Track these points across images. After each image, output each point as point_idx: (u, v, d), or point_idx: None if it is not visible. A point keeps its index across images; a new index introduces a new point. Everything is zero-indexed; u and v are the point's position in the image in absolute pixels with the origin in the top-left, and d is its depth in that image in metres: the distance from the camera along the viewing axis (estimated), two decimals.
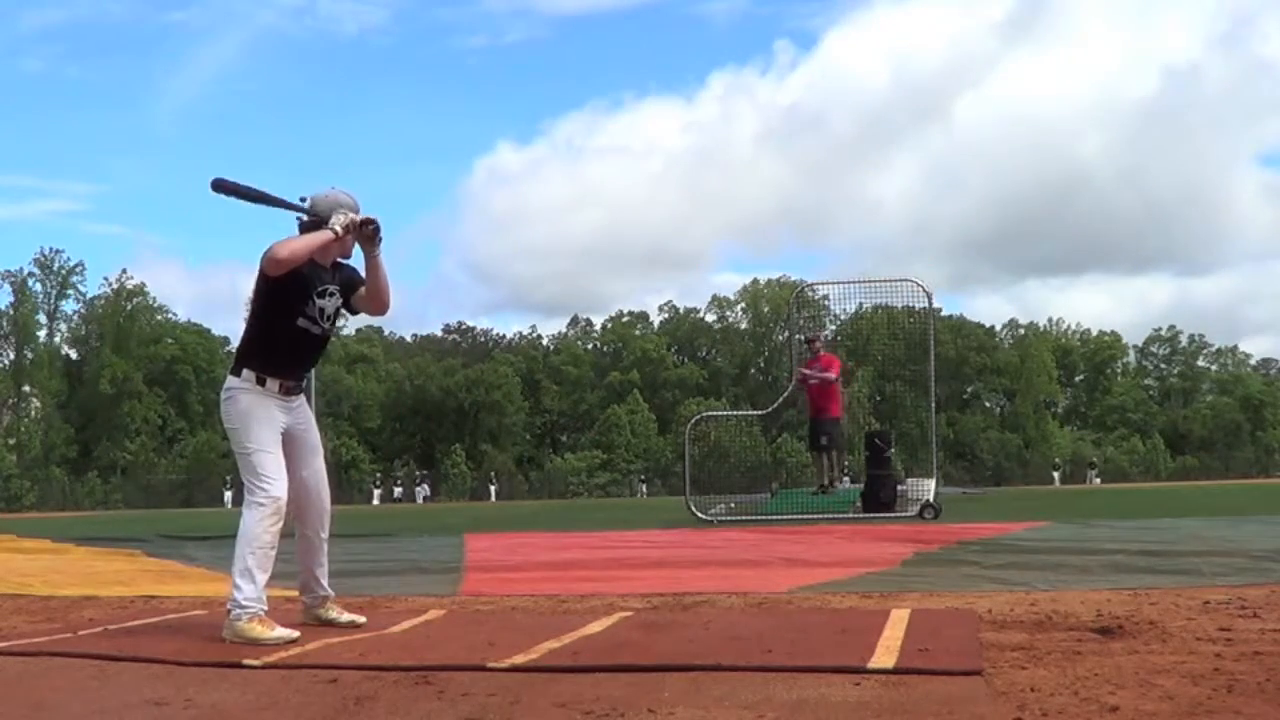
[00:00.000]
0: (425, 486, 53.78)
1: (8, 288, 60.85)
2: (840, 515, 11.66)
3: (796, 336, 14.05)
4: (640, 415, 62.09)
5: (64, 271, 62.25)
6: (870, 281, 14.04)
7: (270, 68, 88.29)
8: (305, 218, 4.09)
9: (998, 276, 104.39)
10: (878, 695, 2.71)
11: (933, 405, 12.86)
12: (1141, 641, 3.41)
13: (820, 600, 4.83)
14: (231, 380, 4.05)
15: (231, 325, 60.16)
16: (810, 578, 5.70)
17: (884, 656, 3.17)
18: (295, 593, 4.30)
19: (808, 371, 12.80)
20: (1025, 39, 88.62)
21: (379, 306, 4.20)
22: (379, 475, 57.07)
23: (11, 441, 57.86)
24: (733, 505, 13.17)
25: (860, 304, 17.11)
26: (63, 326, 63.71)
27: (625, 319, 70.07)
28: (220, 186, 4.03)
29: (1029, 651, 3.26)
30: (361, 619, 4.17)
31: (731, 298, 70.89)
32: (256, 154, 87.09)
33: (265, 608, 3.85)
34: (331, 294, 4.09)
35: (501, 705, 2.72)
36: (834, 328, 39.66)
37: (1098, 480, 50.86)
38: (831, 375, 12.62)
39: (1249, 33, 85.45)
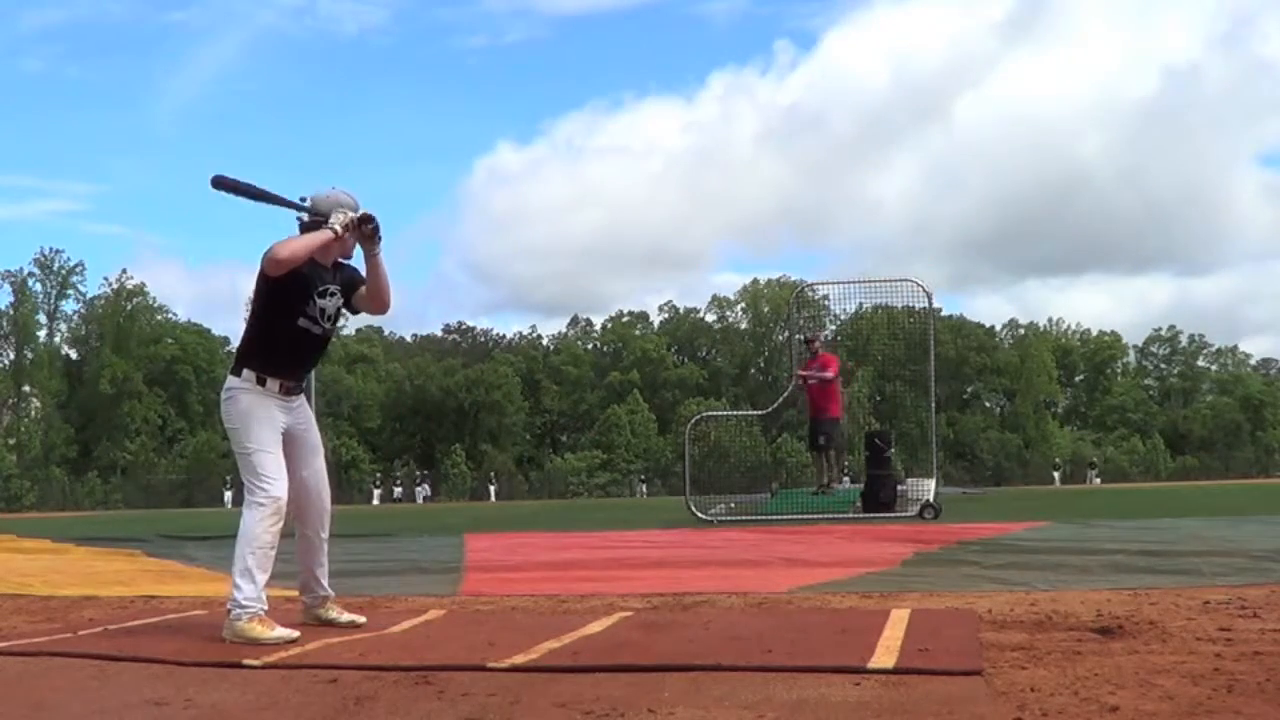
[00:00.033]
0: (425, 486, 53.78)
1: (8, 288, 60.96)
2: (840, 515, 11.66)
3: (796, 336, 14.05)
4: (640, 415, 62.08)
5: (64, 271, 62.30)
6: (870, 281, 14.06)
7: (270, 68, 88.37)
8: (306, 217, 4.10)
9: (998, 276, 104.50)
10: (878, 695, 2.71)
11: (933, 405, 12.86)
12: (1141, 641, 3.41)
13: (820, 600, 4.83)
14: (232, 380, 4.05)
15: (231, 325, 60.20)
16: (810, 578, 5.70)
17: (884, 656, 3.17)
18: (295, 593, 4.30)
19: (805, 373, 12.80)
20: (1025, 39, 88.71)
21: (380, 306, 4.21)
22: (379, 475, 57.06)
23: (11, 441, 57.86)
24: (733, 505, 13.18)
25: (860, 304, 17.13)
26: (63, 326, 63.80)
27: (625, 319, 70.08)
28: (220, 184, 4.03)
29: (1029, 651, 3.26)
30: (361, 619, 4.17)
31: (731, 298, 70.99)
32: (256, 154, 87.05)
33: (265, 608, 3.85)
34: (332, 294, 4.09)
35: (501, 705, 2.72)
36: (834, 328, 39.67)
37: (1098, 480, 50.86)
38: (829, 374, 12.61)
39: (1249, 33, 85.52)
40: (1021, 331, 70.76)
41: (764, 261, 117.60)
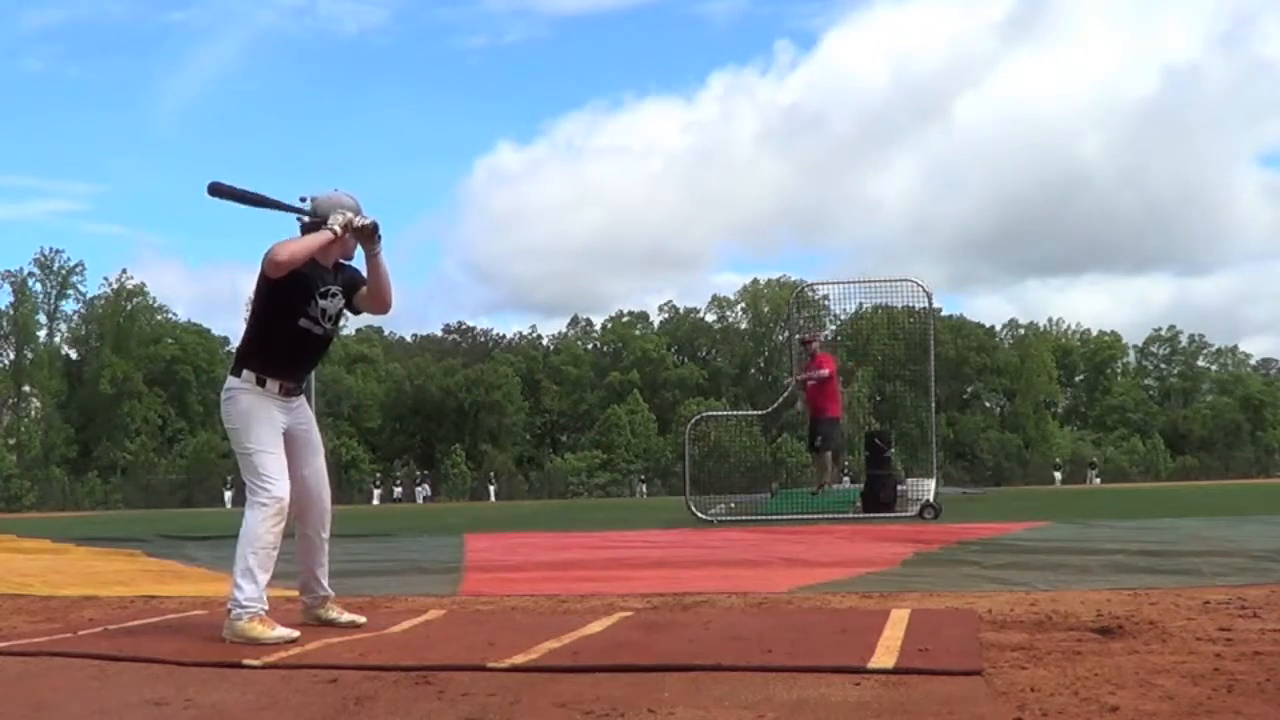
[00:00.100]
0: (425, 486, 53.79)
1: (8, 288, 60.97)
2: (840, 515, 11.67)
3: (796, 337, 14.05)
4: (640, 415, 62.09)
5: (64, 271, 62.30)
6: (870, 281, 14.06)
7: (270, 68, 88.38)
8: (307, 219, 4.10)
9: (998, 276, 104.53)
10: (878, 695, 2.71)
11: (933, 405, 12.86)
12: (1141, 641, 3.41)
13: (820, 600, 4.83)
14: (231, 381, 4.05)
15: (231, 325, 60.21)
16: (810, 578, 5.70)
17: (884, 656, 3.17)
18: (295, 593, 4.30)
19: (801, 377, 12.79)
20: (1025, 39, 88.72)
21: (381, 306, 4.21)
22: (379, 475, 57.07)
23: (11, 441, 57.87)
24: (733, 505, 13.17)
25: (860, 304, 17.11)
26: (63, 326, 63.81)
27: (625, 319, 70.08)
28: (217, 190, 4.03)
29: (1029, 651, 3.26)
30: (361, 619, 4.17)
31: (731, 298, 71.00)
32: (256, 154, 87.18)
33: (266, 608, 3.85)
34: (333, 294, 4.09)
35: (501, 705, 2.72)
36: (834, 328, 39.64)
37: (1098, 480, 50.87)
38: (824, 373, 12.58)
39: (1249, 33, 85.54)
40: (1021, 331, 70.77)
41: (764, 261, 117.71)
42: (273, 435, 3.97)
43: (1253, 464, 58.86)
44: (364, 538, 10.37)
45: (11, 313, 60.56)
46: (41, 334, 62.14)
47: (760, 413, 19.06)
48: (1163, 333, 71.95)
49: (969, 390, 68.55)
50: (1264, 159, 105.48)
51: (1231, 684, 2.74)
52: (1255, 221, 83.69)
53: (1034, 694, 2.69)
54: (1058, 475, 51.62)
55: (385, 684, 3.01)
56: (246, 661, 3.39)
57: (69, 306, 63.07)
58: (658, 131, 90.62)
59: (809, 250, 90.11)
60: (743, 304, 70.27)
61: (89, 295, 62.76)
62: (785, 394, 13.69)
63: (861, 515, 11.60)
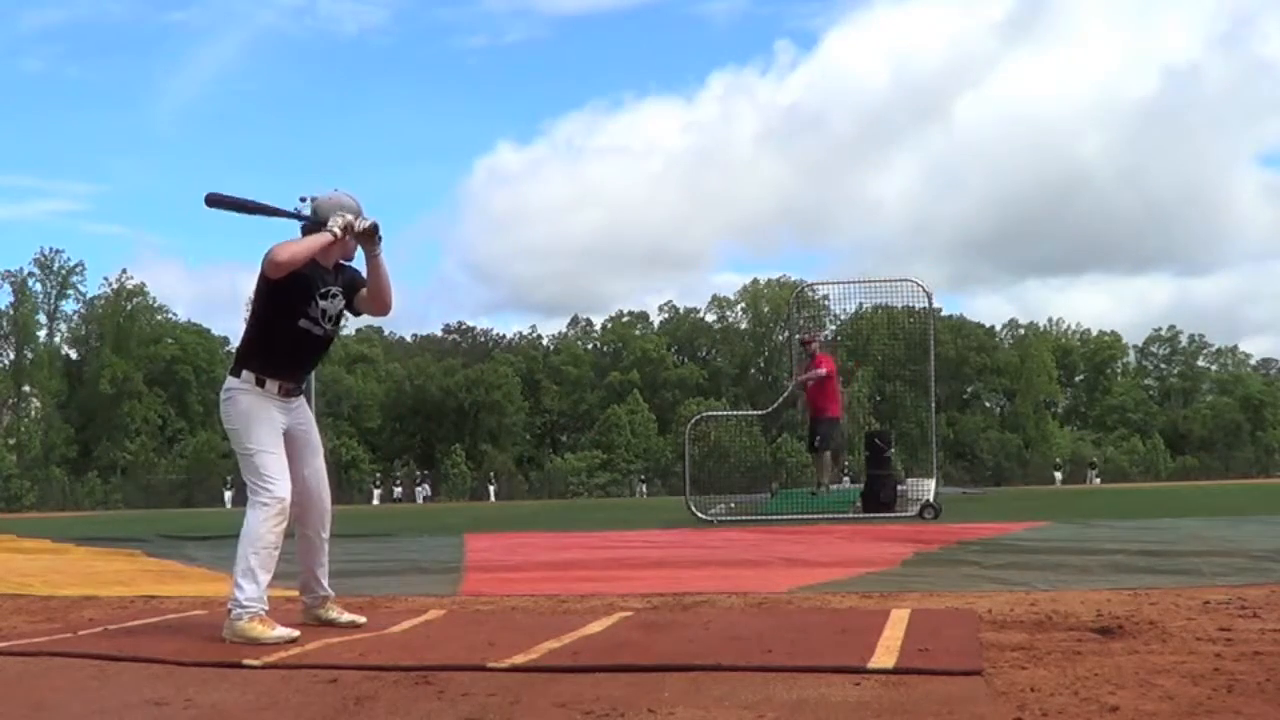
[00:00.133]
0: (426, 486, 53.78)
1: (8, 288, 60.97)
2: (840, 515, 11.67)
3: (796, 337, 14.05)
4: (640, 415, 62.08)
5: (64, 271, 62.30)
6: (870, 281, 14.05)
7: (270, 68, 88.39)
8: (307, 220, 4.10)
9: (998, 276, 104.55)
10: (878, 695, 2.71)
11: (933, 405, 12.86)
12: (1141, 641, 3.41)
13: (820, 600, 4.83)
14: (231, 381, 4.05)
15: (231, 325, 60.21)
16: (810, 578, 5.70)
17: (884, 656, 3.17)
18: (295, 593, 4.30)
19: (802, 378, 12.77)
20: (1025, 39, 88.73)
21: (381, 307, 4.20)
22: (379, 475, 57.07)
23: (11, 441, 57.86)
24: (733, 505, 13.17)
25: (860, 304, 17.10)
26: (63, 326, 63.81)
27: (625, 319, 70.08)
28: (215, 201, 4.02)
29: (1029, 651, 3.26)
30: (361, 619, 4.17)
31: (731, 298, 71.00)
32: (256, 154, 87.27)
33: (266, 608, 3.84)
34: (334, 295, 4.09)
35: (501, 705, 2.72)
36: (834, 328, 39.64)
37: (1098, 480, 50.87)
38: (821, 372, 12.56)
39: (1249, 33, 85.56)
40: (1021, 331, 70.77)
41: (764, 261, 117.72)
42: (273, 435, 3.97)
43: (1253, 464, 58.87)
44: (364, 538, 10.36)
45: (11, 313, 60.57)
46: (41, 334, 62.20)
47: (760, 413, 19.06)
48: (1163, 333, 71.99)
49: (969, 390, 68.55)
50: (1264, 159, 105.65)
51: (1231, 684, 2.74)
52: (1255, 221, 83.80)
53: (1034, 694, 2.69)
54: (1058, 475, 51.63)
55: (385, 684, 3.01)
56: (246, 661, 3.39)
57: (69, 306, 63.18)
58: (658, 131, 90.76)
59: (809, 250, 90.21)
60: (743, 304, 70.28)
61: (89, 295, 62.89)
62: (785, 394, 13.69)
63: (861, 515, 11.60)
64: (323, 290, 4.05)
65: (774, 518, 11.95)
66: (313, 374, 5.66)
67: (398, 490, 53.10)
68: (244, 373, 4.01)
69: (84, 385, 60.03)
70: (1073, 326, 73.31)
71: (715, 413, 30.86)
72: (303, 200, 4.12)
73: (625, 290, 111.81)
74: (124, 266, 75.29)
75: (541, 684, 2.96)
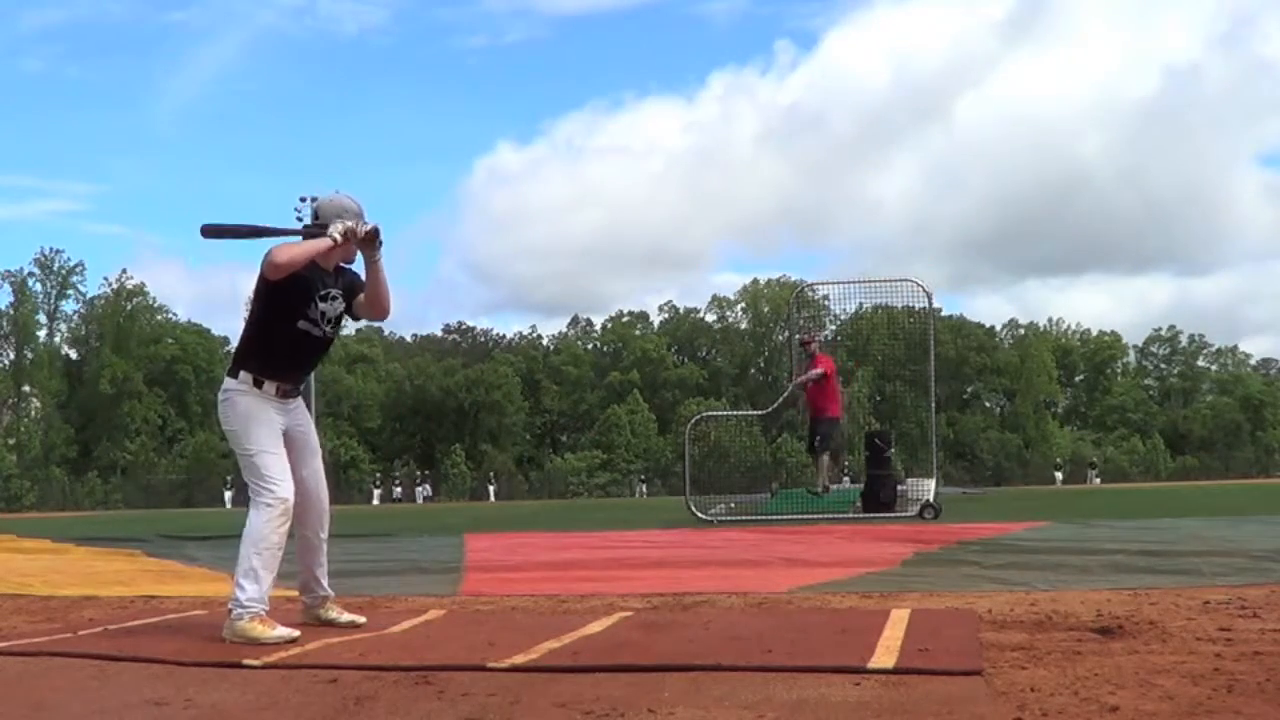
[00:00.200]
0: (426, 487, 53.79)
1: (8, 288, 61.01)
2: (840, 515, 11.67)
3: (796, 337, 14.05)
4: (640, 415, 62.10)
5: (64, 271, 62.34)
6: (870, 281, 14.06)
7: (270, 68, 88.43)
8: (308, 223, 4.10)
9: (998, 276, 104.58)
10: (878, 695, 2.71)
11: (933, 405, 12.86)
12: (1141, 641, 3.41)
13: (820, 600, 4.83)
14: (229, 382, 4.04)
15: (231, 325, 60.18)
16: (810, 578, 5.70)
17: (884, 656, 3.17)
18: (295, 593, 4.30)
19: (801, 379, 12.76)
20: (1025, 39, 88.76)
21: (379, 312, 4.19)
22: (379, 475, 57.08)
23: (11, 441, 57.88)
24: (733, 505, 13.18)
25: (860, 304, 17.12)
26: (63, 326, 63.85)
27: (625, 319, 70.09)
28: (211, 232, 4.01)
29: (1029, 651, 3.26)
30: (361, 619, 4.17)
31: (731, 298, 71.02)
32: (256, 154, 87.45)
33: (266, 608, 3.84)
34: (334, 298, 4.08)
35: (501, 705, 2.72)
36: (834, 328, 39.66)
37: (1098, 480, 50.88)
38: (818, 372, 12.54)
39: (1249, 33, 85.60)
40: (1021, 331, 70.78)
41: (764, 261, 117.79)
42: (273, 436, 3.97)
43: (1253, 464, 58.88)
44: (364, 538, 10.36)
45: (11, 313, 60.59)
46: (41, 334, 62.24)
47: (760, 413, 19.06)
48: (1163, 333, 72.00)
49: (969, 390, 68.56)
50: (1264, 159, 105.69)
51: (1231, 684, 2.74)
52: (1255, 221, 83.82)
53: (1034, 694, 2.69)
54: (1059, 475, 51.63)
55: (385, 684, 3.00)
56: (246, 661, 3.39)
57: (69, 306, 63.24)
58: (658, 131, 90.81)
59: (809, 250, 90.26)
60: (743, 304, 70.28)
61: (89, 295, 62.94)
62: (785, 394, 13.68)
63: (861, 515, 11.60)
64: (322, 292, 4.04)
65: (774, 518, 11.96)
66: (312, 375, 5.66)
67: (398, 490, 53.12)
68: (242, 374, 4.00)
69: (84, 385, 60.05)
70: (1073, 326, 73.44)
71: (715, 413, 30.87)
72: (303, 200, 4.12)
73: (625, 290, 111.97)
74: (124, 266, 75.52)
75: (541, 684, 2.96)
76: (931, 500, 11.68)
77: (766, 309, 68.20)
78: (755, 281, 70.28)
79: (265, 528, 3.86)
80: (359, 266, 4.15)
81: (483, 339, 71.58)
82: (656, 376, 65.45)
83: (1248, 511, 11.55)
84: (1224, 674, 2.86)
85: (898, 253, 75.97)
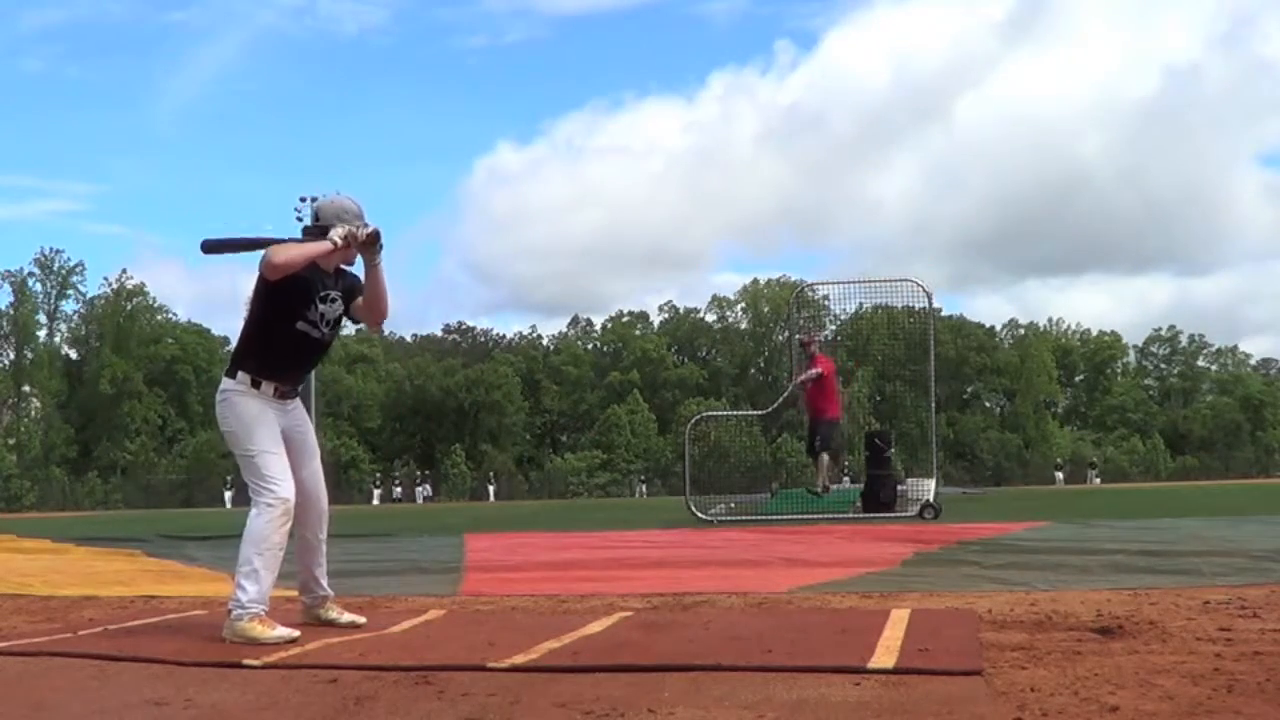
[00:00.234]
0: (427, 486, 53.79)
1: (8, 288, 61.02)
2: (840, 515, 11.67)
3: (796, 337, 14.05)
4: (640, 415, 62.09)
5: (64, 271, 62.35)
6: (870, 281, 14.06)
7: (270, 68, 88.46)
8: (310, 223, 4.09)
9: (998, 276, 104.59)
10: (878, 695, 2.71)
11: (933, 405, 12.86)
12: (1141, 641, 3.40)
13: (820, 600, 4.83)
14: (226, 383, 4.03)
15: (231, 325, 60.06)
16: (810, 578, 5.70)
17: (884, 656, 3.17)
18: (295, 593, 4.30)
19: (800, 379, 12.75)
20: (1026, 39, 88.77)
21: (376, 316, 4.18)
22: (379, 475, 57.08)
23: (11, 441, 57.88)
24: (733, 505, 13.18)
25: (860, 304, 17.11)
26: (63, 326, 63.86)
27: (625, 319, 70.09)
28: (211, 247, 4.00)
29: (1029, 651, 3.26)
30: (361, 619, 4.16)
31: (731, 298, 71.02)
32: (256, 154, 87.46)
33: (266, 608, 3.84)
34: (333, 300, 4.07)
35: (501, 705, 2.72)
36: (834, 328, 39.65)
37: (1098, 480, 50.88)
38: (816, 371, 12.52)
39: (1249, 33, 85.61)
40: (1021, 331, 70.78)
41: (764, 261, 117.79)
42: (272, 436, 3.96)
43: (1253, 464, 58.88)
44: (364, 538, 10.37)
45: (11, 313, 60.60)
46: (41, 334, 62.25)
47: (760, 413, 19.06)
48: (1163, 333, 72.01)
49: (969, 390, 68.56)
50: (1264, 159, 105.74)
51: (1231, 684, 2.74)
52: (1255, 221, 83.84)
53: (1034, 694, 2.69)
54: (1059, 475, 51.62)
55: (385, 684, 3.00)
56: (246, 661, 3.39)
57: (69, 306, 63.24)
58: (658, 131, 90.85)
59: (809, 250, 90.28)
60: (743, 304, 70.28)
61: (89, 295, 62.95)
62: (785, 394, 13.68)
63: (861, 515, 11.60)
64: (322, 294, 4.03)
65: (774, 518, 11.96)
66: (312, 375, 5.66)
67: (398, 490, 53.12)
68: (240, 374, 3.99)
69: (84, 385, 60.05)
70: (1073, 326, 73.44)
71: (715, 413, 30.87)
72: (303, 200, 4.12)
73: (625, 290, 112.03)
74: (124, 266, 75.47)
75: (541, 684, 2.96)
76: (931, 500, 11.68)
77: (766, 309, 68.20)
78: (755, 281, 70.40)
79: (267, 528, 3.86)
80: (359, 268, 4.15)
81: (483, 339, 71.60)
82: (656, 376, 65.45)
83: (1248, 511, 11.55)
84: (1224, 674, 2.86)
85: (898, 253, 76.07)
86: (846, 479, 16.92)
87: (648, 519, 14.02)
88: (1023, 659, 3.14)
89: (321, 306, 4.03)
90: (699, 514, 12.11)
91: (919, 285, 13.08)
